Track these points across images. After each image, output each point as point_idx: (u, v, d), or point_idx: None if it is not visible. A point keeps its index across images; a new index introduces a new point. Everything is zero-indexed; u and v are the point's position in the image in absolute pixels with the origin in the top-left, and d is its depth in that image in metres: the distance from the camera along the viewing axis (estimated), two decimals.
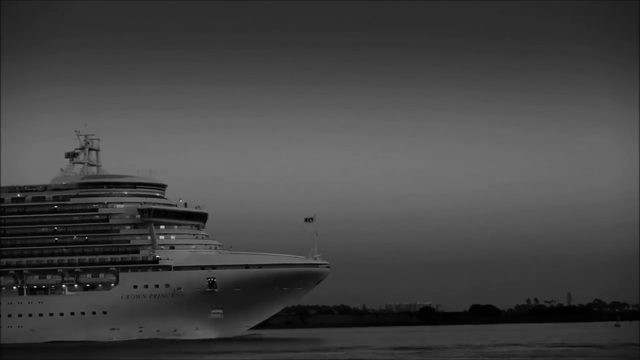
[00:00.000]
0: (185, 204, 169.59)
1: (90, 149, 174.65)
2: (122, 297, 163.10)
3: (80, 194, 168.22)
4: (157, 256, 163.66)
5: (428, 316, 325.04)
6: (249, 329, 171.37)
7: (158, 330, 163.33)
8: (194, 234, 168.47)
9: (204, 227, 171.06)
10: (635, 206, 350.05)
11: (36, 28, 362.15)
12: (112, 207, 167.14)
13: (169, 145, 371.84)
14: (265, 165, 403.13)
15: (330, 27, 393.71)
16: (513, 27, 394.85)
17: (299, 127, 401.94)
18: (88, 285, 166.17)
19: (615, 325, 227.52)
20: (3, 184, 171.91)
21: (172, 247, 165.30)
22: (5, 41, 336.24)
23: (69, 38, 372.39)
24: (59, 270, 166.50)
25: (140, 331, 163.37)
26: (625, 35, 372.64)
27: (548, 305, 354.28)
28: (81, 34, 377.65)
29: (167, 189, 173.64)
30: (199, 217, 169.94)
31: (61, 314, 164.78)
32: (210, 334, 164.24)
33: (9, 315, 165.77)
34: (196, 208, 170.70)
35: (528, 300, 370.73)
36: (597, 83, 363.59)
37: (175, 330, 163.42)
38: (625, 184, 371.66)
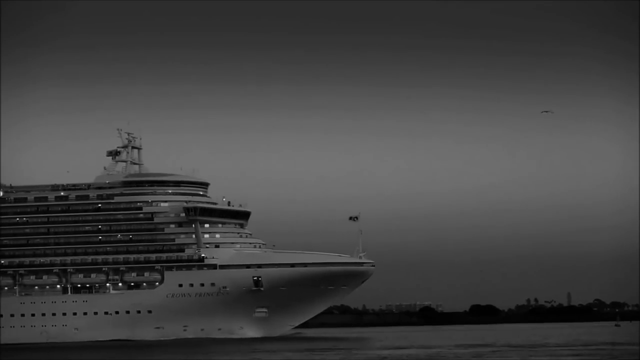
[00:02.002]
0: (229, 203, 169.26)
1: (133, 147, 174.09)
2: (167, 296, 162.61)
3: (124, 192, 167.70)
4: (203, 255, 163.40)
5: (428, 316, 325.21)
6: (293, 328, 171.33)
7: (202, 329, 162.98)
8: (238, 233, 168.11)
9: (246, 225, 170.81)
10: (635, 205, 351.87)
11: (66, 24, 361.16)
12: (156, 206, 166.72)
13: (207, 144, 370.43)
14: (303, 163, 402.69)
15: (362, 29, 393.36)
16: (512, 27, 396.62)
17: (341, 127, 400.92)
18: (132, 284, 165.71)
19: (615, 326, 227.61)
20: (45, 183, 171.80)
21: (217, 246, 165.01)
22: (12, 39, 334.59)
23: (91, 37, 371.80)
24: (103, 269, 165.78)
25: (185, 330, 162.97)
26: (625, 35, 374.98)
27: (548, 305, 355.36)
28: (110, 33, 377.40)
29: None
30: (243, 216, 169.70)
31: (106, 313, 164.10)
32: (254, 332, 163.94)
33: (53, 314, 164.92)
34: (239, 206, 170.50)
35: (528, 300, 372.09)
36: (597, 83, 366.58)
37: (219, 329, 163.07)
38: (625, 183, 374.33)
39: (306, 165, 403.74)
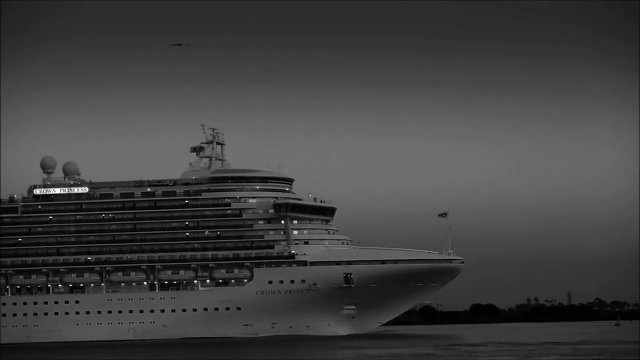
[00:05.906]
0: (315, 199, 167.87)
1: (217, 143, 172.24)
2: (256, 293, 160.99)
3: (212, 188, 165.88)
4: (293, 251, 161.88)
5: (428, 315, 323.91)
6: (380, 325, 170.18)
7: (290, 327, 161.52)
8: (325, 229, 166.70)
9: (332, 222, 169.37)
10: (636, 204, 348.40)
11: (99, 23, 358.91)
12: (244, 202, 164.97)
13: (285, 141, 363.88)
14: (382, 160, 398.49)
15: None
16: (510, 28, 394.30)
17: (424, 123, 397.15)
18: (221, 280, 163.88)
19: (616, 325, 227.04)
20: (127, 179, 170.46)
21: (306, 242, 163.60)
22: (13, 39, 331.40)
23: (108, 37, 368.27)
24: (192, 265, 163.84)
25: (273, 327, 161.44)
26: (624, 36, 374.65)
27: (548, 304, 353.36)
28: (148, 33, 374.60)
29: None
30: (330, 212, 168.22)
31: (194, 310, 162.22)
32: (342, 330, 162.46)
33: (141, 311, 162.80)
34: (322, 202, 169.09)
35: (528, 300, 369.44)
36: (596, 84, 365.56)
37: (307, 327, 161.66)
38: (625, 182, 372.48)
39: (385, 161, 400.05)
